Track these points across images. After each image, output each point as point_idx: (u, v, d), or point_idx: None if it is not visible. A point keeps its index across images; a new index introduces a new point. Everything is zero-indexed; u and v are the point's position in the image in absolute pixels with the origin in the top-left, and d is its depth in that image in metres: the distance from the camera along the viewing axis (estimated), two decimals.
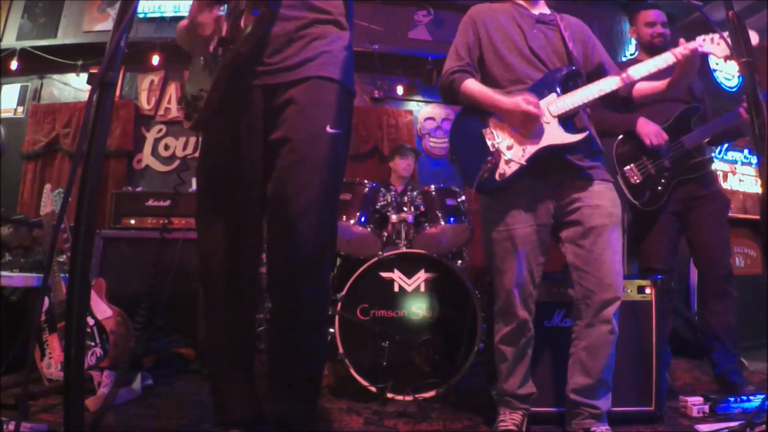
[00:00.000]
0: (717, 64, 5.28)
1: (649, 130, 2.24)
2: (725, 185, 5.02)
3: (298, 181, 1.33)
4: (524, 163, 1.56)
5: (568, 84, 1.64)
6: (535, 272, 1.63)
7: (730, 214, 2.34)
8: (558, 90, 1.60)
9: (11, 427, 1.05)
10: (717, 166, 5.00)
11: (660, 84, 1.66)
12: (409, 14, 5.03)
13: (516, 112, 1.55)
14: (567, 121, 1.61)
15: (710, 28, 1.51)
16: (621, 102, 1.72)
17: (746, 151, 5.21)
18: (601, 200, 1.59)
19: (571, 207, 1.60)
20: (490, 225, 1.66)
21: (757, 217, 3.86)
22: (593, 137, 1.65)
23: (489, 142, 1.61)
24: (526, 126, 1.57)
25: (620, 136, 2.37)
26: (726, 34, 1.38)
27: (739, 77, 5.24)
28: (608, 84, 1.59)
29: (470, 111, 1.70)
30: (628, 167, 2.31)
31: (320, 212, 1.35)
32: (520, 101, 1.54)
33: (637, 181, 2.28)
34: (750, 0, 4.40)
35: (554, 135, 1.57)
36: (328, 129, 1.36)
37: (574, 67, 1.64)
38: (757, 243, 3.59)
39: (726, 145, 5.04)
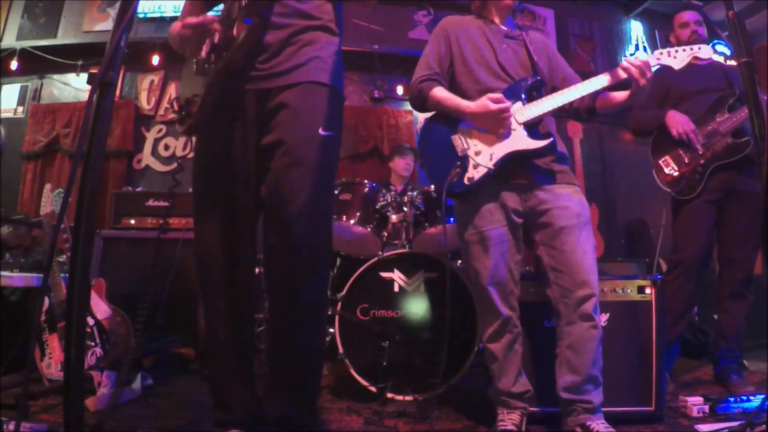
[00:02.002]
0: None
1: (676, 120, 2.26)
2: None
3: (294, 182, 1.34)
4: (492, 167, 1.61)
5: (533, 93, 1.69)
6: (514, 270, 1.67)
7: None
8: (523, 98, 1.65)
9: (11, 427, 1.05)
10: None
11: (622, 95, 1.69)
12: (409, 14, 5.04)
13: (484, 113, 1.59)
14: (533, 128, 1.66)
15: (710, 27, 1.51)
16: (585, 113, 1.76)
17: None
18: (569, 202, 1.63)
19: (539, 209, 1.64)
20: (462, 228, 1.71)
21: None
22: (557, 143, 1.68)
23: (457, 148, 1.66)
24: (497, 125, 1.60)
25: (655, 132, 2.38)
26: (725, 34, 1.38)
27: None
28: (571, 94, 1.63)
29: (439, 118, 1.75)
30: (662, 159, 2.33)
31: (316, 212, 1.37)
32: (487, 101, 1.58)
33: (673, 171, 2.29)
34: (750, 0, 4.41)
35: (520, 141, 1.62)
36: (321, 131, 1.38)
37: (538, 77, 1.70)
38: None
39: None
